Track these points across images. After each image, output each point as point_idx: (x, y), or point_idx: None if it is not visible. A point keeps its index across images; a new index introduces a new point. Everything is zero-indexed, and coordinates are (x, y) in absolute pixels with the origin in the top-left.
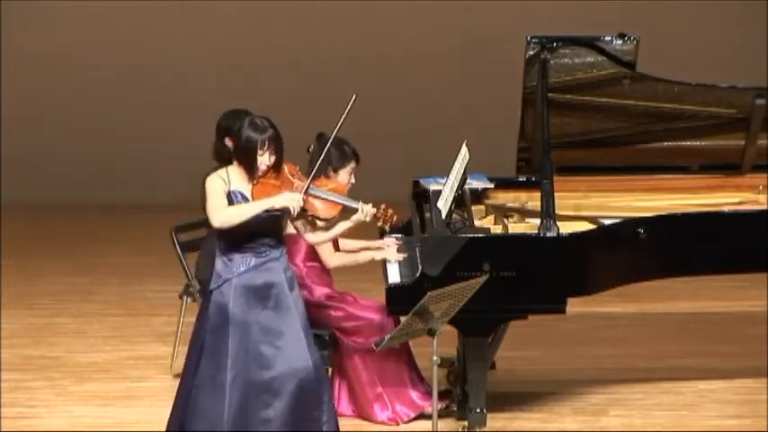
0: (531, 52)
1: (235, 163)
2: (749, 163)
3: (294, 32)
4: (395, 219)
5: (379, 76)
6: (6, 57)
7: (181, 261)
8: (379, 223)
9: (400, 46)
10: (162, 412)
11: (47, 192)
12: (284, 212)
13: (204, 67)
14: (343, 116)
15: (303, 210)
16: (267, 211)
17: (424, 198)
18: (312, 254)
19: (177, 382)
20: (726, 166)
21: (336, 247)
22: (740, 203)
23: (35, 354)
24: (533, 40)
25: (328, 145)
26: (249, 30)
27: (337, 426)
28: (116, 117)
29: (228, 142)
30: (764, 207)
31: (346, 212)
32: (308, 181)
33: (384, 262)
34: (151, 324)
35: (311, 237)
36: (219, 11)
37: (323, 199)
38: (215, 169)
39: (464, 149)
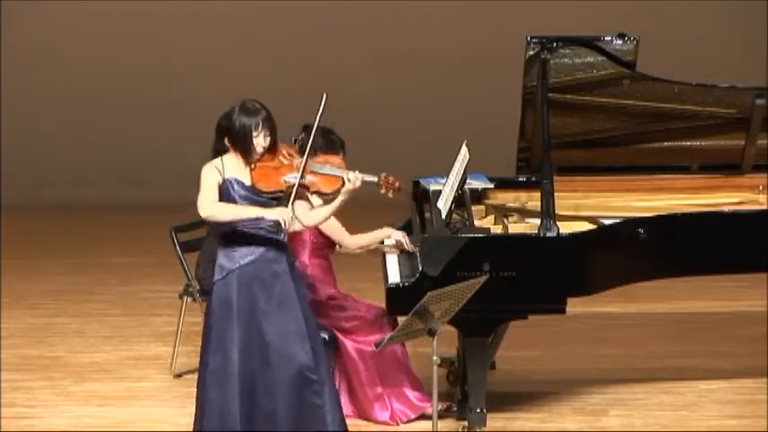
0: (531, 52)
1: (230, 150)
2: (749, 163)
3: (295, 34)
4: (397, 185)
5: (380, 78)
6: (6, 57)
7: (181, 261)
8: (382, 191)
9: (401, 46)
10: (162, 412)
11: (47, 192)
12: (279, 199)
13: (205, 68)
14: (319, 115)
15: (306, 188)
16: (264, 201)
17: (424, 198)
18: (318, 251)
19: (177, 381)
20: (726, 166)
21: (338, 246)
22: (740, 203)
23: (35, 354)
24: (533, 41)
25: (312, 136)
26: (250, 30)
27: (340, 413)
28: (116, 117)
29: (228, 142)
30: (764, 207)
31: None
32: (303, 162)
33: (384, 262)
34: (151, 324)
35: (309, 219)
36: (219, 10)
37: (322, 174)
38: None
39: (464, 149)
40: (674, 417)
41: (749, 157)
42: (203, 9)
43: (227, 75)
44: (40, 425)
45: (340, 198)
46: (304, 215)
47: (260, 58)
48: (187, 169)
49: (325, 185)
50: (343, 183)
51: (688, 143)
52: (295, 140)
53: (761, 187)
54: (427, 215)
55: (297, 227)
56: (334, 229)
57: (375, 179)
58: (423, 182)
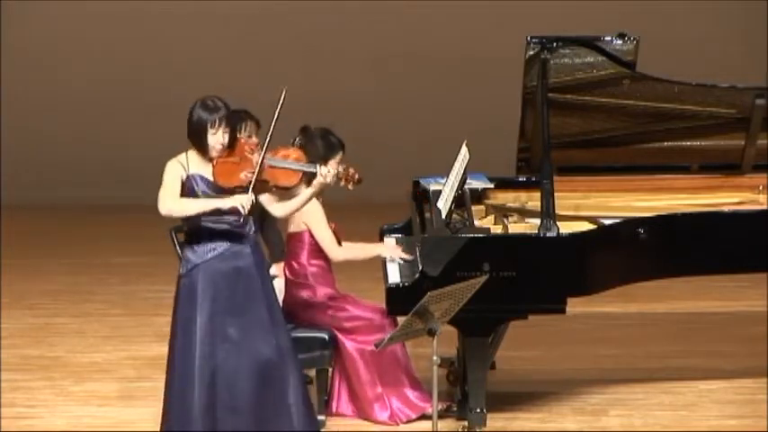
0: (531, 52)
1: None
2: (749, 163)
3: (295, 34)
4: (357, 177)
5: (380, 78)
6: (6, 57)
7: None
8: (342, 183)
9: (401, 46)
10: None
11: (47, 192)
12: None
13: (205, 68)
14: (277, 112)
15: (265, 181)
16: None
17: (424, 198)
18: (317, 252)
19: None
20: (726, 166)
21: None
22: (740, 203)
23: (35, 354)
24: (533, 41)
25: (272, 127)
26: (250, 30)
27: (310, 411)
28: (116, 117)
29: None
30: (764, 207)
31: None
32: (262, 154)
33: (384, 262)
34: (151, 324)
35: (278, 209)
36: (219, 10)
37: (281, 168)
38: None
39: (464, 149)
40: (674, 417)
41: (749, 157)
42: (203, 9)
43: (227, 75)
44: (40, 425)
45: (310, 191)
46: (273, 206)
47: (260, 58)
48: None
49: (283, 180)
50: (302, 177)
51: (688, 143)
52: (293, 141)
53: (761, 187)
54: (427, 215)
55: (295, 229)
56: (323, 237)
57: (333, 172)
58: (423, 182)
